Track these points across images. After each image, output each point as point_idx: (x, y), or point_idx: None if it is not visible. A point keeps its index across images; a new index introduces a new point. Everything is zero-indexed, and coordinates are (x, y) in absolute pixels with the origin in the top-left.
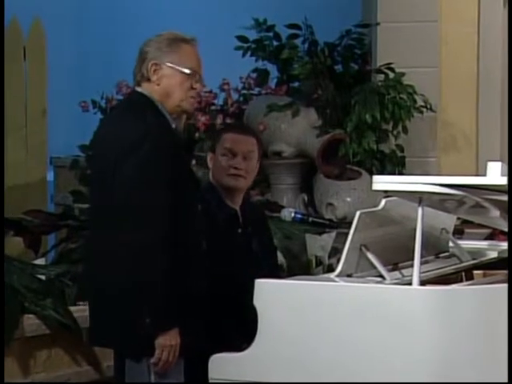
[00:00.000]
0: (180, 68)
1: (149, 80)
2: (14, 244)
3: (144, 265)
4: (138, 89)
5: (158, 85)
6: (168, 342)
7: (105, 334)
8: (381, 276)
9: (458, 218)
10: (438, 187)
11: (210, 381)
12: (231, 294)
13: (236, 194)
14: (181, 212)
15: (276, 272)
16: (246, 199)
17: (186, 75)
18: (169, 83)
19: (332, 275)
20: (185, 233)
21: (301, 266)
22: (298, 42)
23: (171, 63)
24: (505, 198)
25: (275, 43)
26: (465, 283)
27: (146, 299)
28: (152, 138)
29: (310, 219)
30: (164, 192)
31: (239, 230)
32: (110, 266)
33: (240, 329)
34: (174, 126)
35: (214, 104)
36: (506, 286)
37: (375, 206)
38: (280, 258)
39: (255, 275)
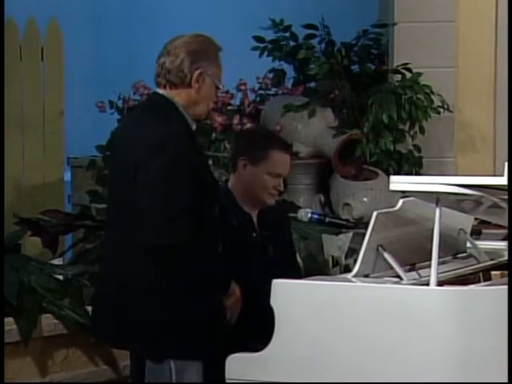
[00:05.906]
0: (216, 82)
1: (186, 85)
2: (32, 244)
3: (168, 267)
4: (160, 91)
5: (197, 93)
6: None
7: (126, 335)
8: (398, 276)
9: (476, 219)
10: (455, 187)
11: (227, 381)
12: (244, 296)
13: (259, 204)
14: (201, 214)
15: (295, 276)
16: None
17: (216, 88)
18: (205, 94)
19: (349, 275)
20: (205, 235)
21: (317, 267)
22: (314, 42)
23: (213, 76)
24: None
25: (292, 43)
26: (482, 284)
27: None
28: (176, 141)
29: (327, 219)
30: (187, 194)
31: (254, 234)
32: (132, 268)
33: (253, 331)
34: (194, 127)
35: (230, 104)
36: None
37: (392, 207)
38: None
39: (270, 279)
